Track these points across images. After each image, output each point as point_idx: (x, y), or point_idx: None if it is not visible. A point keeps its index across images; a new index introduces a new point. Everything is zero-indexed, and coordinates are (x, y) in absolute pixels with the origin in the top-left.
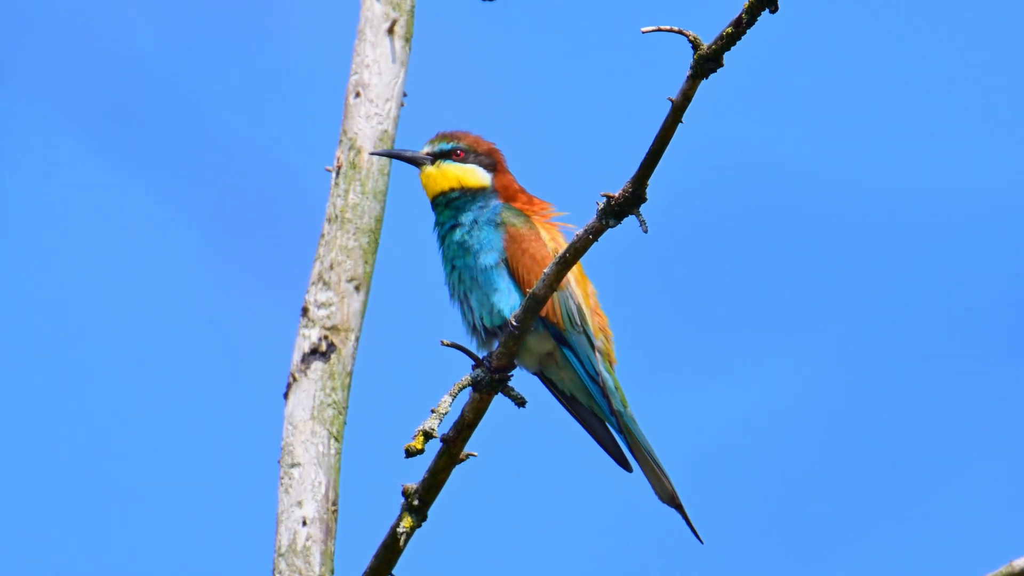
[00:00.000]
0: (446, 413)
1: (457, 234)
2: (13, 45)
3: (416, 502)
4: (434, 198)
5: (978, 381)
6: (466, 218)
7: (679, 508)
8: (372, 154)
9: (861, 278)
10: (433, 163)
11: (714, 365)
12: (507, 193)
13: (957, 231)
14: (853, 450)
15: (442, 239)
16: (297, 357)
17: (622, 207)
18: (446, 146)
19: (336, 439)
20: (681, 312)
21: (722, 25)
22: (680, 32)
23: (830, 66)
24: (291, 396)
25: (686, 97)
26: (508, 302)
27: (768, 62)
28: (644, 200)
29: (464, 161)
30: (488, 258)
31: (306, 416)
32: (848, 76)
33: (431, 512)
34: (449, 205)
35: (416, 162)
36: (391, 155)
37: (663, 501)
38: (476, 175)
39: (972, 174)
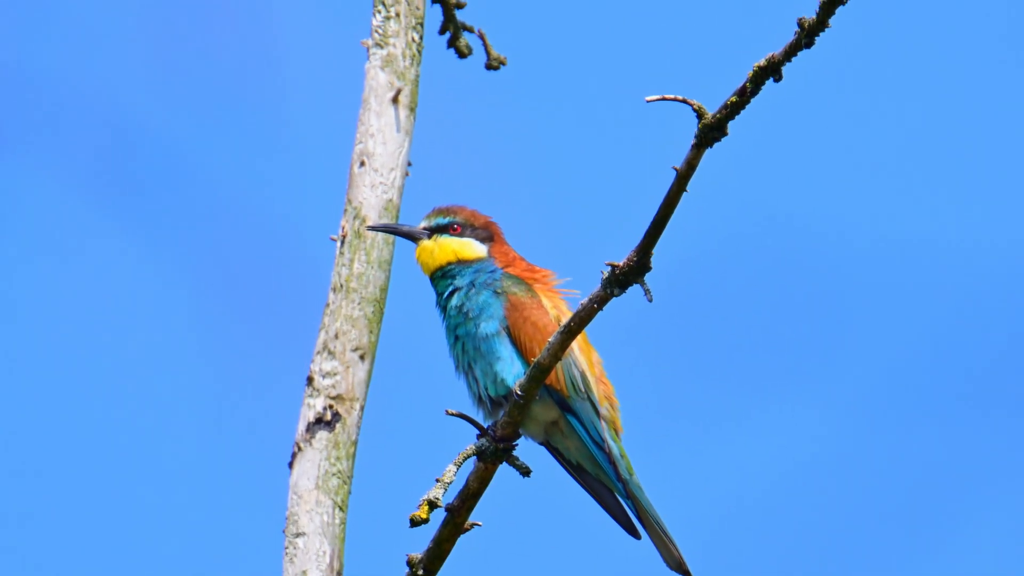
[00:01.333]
0: (451, 483)
1: (456, 299)
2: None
3: (421, 572)
4: (432, 273)
5: (996, 434)
6: (463, 281)
7: (687, 575)
8: (370, 228)
9: (876, 330)
10: (430, 237)
11: (726, 423)
12: (505, 260)
13: (975, 282)
14: (867, 505)
15: (443, 309)
16: (302, 426)
17: (627, 276)
18: (443, 220)
19: (341, 508)
20: (692, 370)
21: (727, 92)
22: (685, 101)
23: (843, 117)
24: (296, 465)
25: (690, 166)
26: (511, 371)
27: (778, 113)
28: (649, 269)
29: (461, 235)
30: (489, 326)
31: (311, 485)
32: (862, 126)
33: None
34: (446, 275)
35: (413, 237)
36: (388, 230)
37: (671, 568)
38: (472, 248)
39: (989, 226)
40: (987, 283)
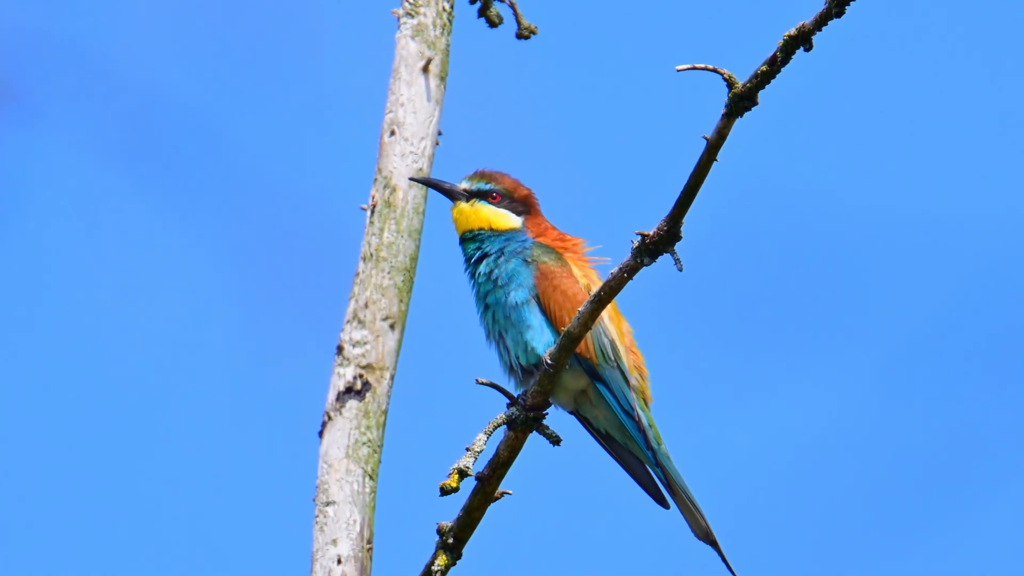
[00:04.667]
0: (481, 451)
1: (484, 265)
2: (42, 77)
3: (451, 540)
4: (462, 234)
5: (1014, 404)
6: (492, 247)
7: (714, 545)
8: (411, 180)
9: (895, 302)
10: (468, 200)
11: (750, 395)
12: (537, 231)
13: (993, 253)
14: (889, 475)
15: (472, 276)
16: (332, 396)
17: (657, 245)
18: (484, 186)
19: (371, 477)
20: (716, 343)
21: (757, 62)
22: (715, 71)
23: (863, 92)
24: (326, 435)
25: (720, 135)
26: (541, 339)
27: (801, 89)
28: (679, 238)
29: (499, 205)
30: (519, 295)
31: (341, 454)
32: (882, 102)
33: (466, 550)
34: (475, 239)
35: (452, 195)
36: (428, 183)
37: (698, 538)
38: (507, 219)
39: (1008, 198)
40: (1009, 251)
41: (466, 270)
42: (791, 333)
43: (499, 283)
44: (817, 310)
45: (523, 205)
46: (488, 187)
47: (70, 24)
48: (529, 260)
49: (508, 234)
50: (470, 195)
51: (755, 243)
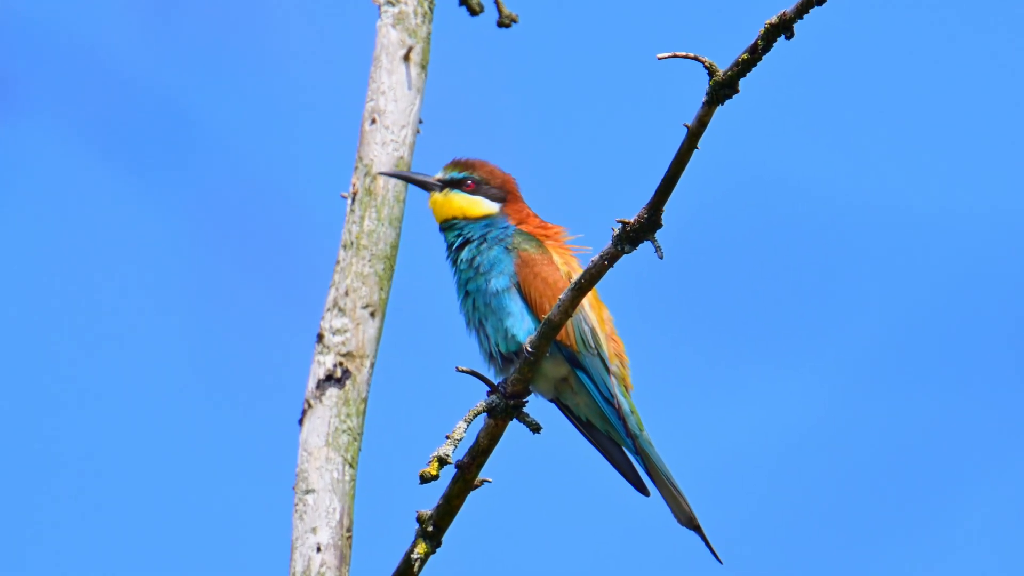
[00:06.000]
0: (461, 439)
1: (466, 252)
2: (15, 61)
3: (430, 528)
4: (441, 224)
5: (1000, 394)
6: (473, 233)
7: (698, 530)
8: (380, 174)
9: (880, 292)
10: (441, 190)
11: (731, 384)
12: (518, 218)
13: (974, 247)
14: (869, 467)
15: (453, 263)
16: (312, 384)
17: (637, 233)
18: (458, 175)
19: (351, 465)
20: (696, 332)
21: (738, 50)
22: (696, 59)
23: (846, 85)
24: (306, 422)
25: (701, 123)
26: (522, 327)
27: (781, 81)
28: (660, 226)
29: (474, 192)
30: (499, 282)
31: (321, 442)
32: (864, 94)
33: (445, 538)
34: (452, 228)
35: (426, 186)
36: (401, 176)
37: (681, 524)
38: (481, 206)
39: (990, 194)
40: (992, 244)
41: (447, 258)
42: (773, 321)
43: (480, 270)
44: (800, 298)
45: (500, 191)
46: (462, 175)
47: (47, 12)
48: (510, 247)
49: (487, 220)
50: (444, 184)
51: (737, 232)
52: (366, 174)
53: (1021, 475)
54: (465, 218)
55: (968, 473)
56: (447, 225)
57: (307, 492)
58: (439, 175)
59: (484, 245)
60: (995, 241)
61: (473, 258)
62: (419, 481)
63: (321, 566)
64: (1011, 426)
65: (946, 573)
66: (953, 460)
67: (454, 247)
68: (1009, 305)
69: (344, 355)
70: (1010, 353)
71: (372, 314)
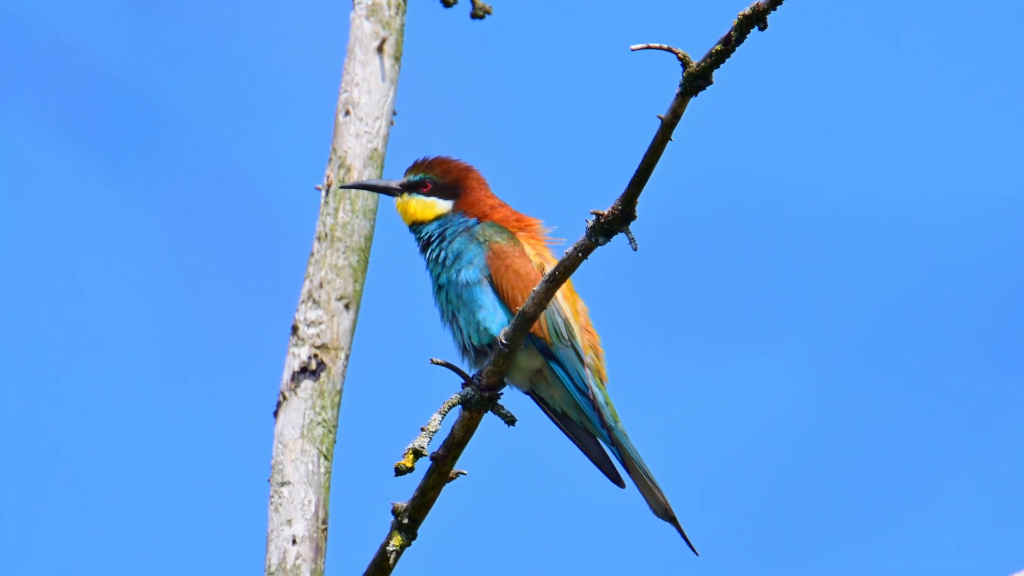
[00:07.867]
0: (436, 431)
1: (429, 251)
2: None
3: (406, 520)
4: (408, 226)
5: (967, 384)
6: (432, 234)
7: (673, 521)
8: (342, 187)
9: (849, 284)
10: (401, 195)
11: (704, 375)
12: (478, 211)
13: (949, 234)
14: (840, 456)
15: (426, 262)
16: (287, 376)
17: (611, 225)
18: (415, 178)
19: (326, 457)
20: (670, 323)
21: (712, 42)
22: (669, 50)
23: (817, 78)
24: (281, 415)
25: (675, 115)
26: (495, 319)
27: (755, 72)
28: (634, 218)
29: (429, 194)
30: (469, 273)
31: (296, 435)
32: (835, 86)
33: (421, 531)
34: (417, 230)
35: (389, 192)
36: (364, 187)
37: (657, 515)
38: (435, 208)
39: (963, 180)
40: (967, 231)
41: (420, 253)
42: (745, 312)
43: (447, 264)
44: (772, 289)
45: (455, 186)
46: (419, 178)
47: (21, 4)
48: (481, 240)
49: (441, 219)
50: (403, 189)
51: (709, 224)
52: (340, 166)
53: (987, 463)
54: (424, 221)
55: (936, 461)
56: (412, 227)
57: (282, 484)
58: (401, 179)
59: (444, 242)
60: (962, 233)
61: (438, 255)
62: (394, 473)
63: (296, 558)
64: (977, 415)
65: (915, 559)
66: (921, 449)
67: (420, 244)
68: (975, 296)
69: (319, 347)
70: (976, 344)
71: (347, 306)
